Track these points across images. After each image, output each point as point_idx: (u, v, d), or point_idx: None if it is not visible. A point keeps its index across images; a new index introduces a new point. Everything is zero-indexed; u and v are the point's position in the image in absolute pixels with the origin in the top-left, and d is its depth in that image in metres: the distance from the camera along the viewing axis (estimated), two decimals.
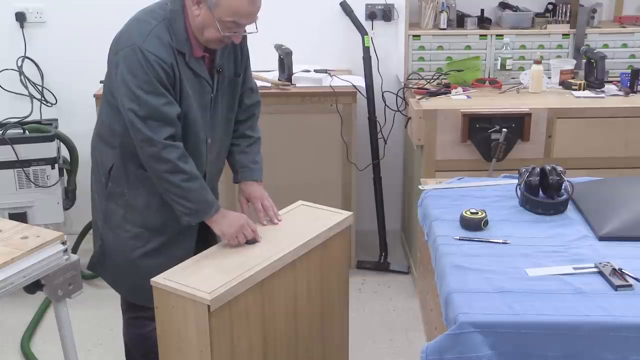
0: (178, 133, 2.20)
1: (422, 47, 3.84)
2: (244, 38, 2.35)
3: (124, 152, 2.27)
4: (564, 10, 3.83)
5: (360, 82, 3.80)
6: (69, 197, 3.81)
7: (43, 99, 4.02)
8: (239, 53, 2.37)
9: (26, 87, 4.00)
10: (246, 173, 2.48)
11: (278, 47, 3.77)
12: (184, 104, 2.21)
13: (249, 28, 2.23)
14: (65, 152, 3.78)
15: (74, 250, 3.81)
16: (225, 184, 2.86)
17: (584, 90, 3.59)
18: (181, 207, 2.22)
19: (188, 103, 2.22)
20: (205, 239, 2.43)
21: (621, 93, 3.57)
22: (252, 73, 2.52)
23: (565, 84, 3.67)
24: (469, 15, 3.88)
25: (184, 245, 2.33)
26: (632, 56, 3.84)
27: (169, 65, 2.14)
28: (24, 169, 3.56)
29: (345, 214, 2.50)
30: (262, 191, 2.48)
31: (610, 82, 3.68)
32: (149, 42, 2.12)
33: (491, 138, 3.33)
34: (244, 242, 2.26)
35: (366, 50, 3.85)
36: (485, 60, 3.84)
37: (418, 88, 3.64)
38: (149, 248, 2.35)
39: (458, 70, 3.70)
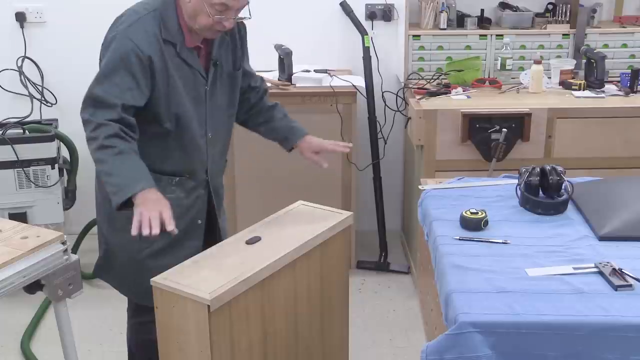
0: (125, 121, 2.13)
1: (422, 47, 3.84)
2: (244, 29, 2.35)
3: None
4: (564, 10, 3.83)
5: (360, 82, 3.80)
6: (69, 197, 3.81)
7: (43, 99, 4.02)
8: (238, 46, 2.37)
9: (26, 87, 3.99)
10: (297, 132, 2.51)
11: (278, 47, 3.77)
12: (172, 96, 2.21)
13: (242, 14, 2.23)
14: (65, 152, 3.79)
15: (74, 250, 3.81)
16: (225, 182, 2.85)
17: (584, 90, 3.59)
18: (110, 186, 2.10)
19: (178, 95, 2.21)
20: (212, 239, 2.42)
21: (621, 93, 3.57)
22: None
23: (565, 84, 3.67)
24: (469, 15, 3.88)
25: (190, 245, 2.32)
26: (632, 56, 3.85)
27: (147, 58, 2.14)
28: (24, 169, 3.56)
29: (345, 214, 2.50)
30: (318, 139, 2.51)
31: (610, 82, 3.69)
32: (131, 31, 2.13)
33: (491, 138, 3.33)
34: (147, 219, 2.04)
35: (366, 50, 3.85)
36: (485, 60, 3.84)
37: (418, 88, 3.65)
38: (155, 248, 2.34)
39: (458, 70, 3.70)
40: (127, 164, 2.11)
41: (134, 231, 2.06)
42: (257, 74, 2.56)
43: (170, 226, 2.06)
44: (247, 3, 2.19)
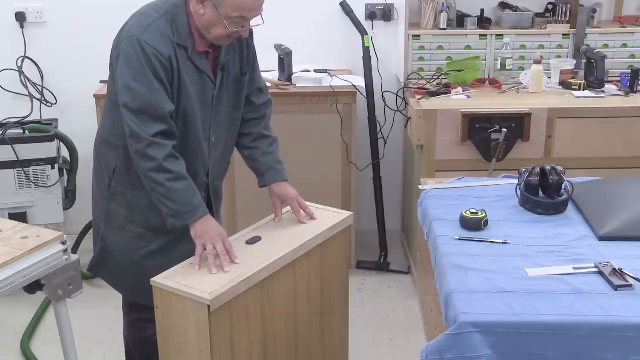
0: (170, 131, 2.17)
1: (422, 47, 3.84)
2: (251, 35, 2.36)
3: (128, 153, 2.25)
4: (564, 10, 3.83)
5: (360, 82, 3.80)
6: (69, 197, 3.81)
7: (43, 99, 4.02)
8: (245, 50, 2.36)
9: (26, 87, 4.00)
10: (274, 174, 2.44)
11: (278, 47, 3.77)
12: (183, 99, 2.20)
13: (254, 21, 2.23)
14: (65, 152, 3.79)
15: (74, 250, 3.81)
16: (224, 184, 2.86)
17: (584, 90, 3.59)
18: (165, 207, 2.18)
19: (188, 98, 2.21)
20: None
21: (621, 93, 3.57)
22: None
23: (565, 84, 3.67)
24: (469, 15, 3.88)
25: (188, 246, 2.32)
26: (632, 56, 3.84)
27: (167, 59, 2.13)
28: (24, 169, 3.56)
29: (345, 214, 2.50)
30: (294, 190, 2.46)
31: (610, 82, 3.69)
32: (147, 34, 2.12)
33: (491, 138, 3.33)
34: (211, 254, 2.13)
35: (366, 50, 3.85)
36: (485, 60, 3.84)
37: (418, 88, 3.65)
38: (152, 249, 2.34)
39: (458, 70, 3.70)
40: (182, 189, 2.17)
41: (195, 267, 2.14)
42: (268, 97, 2.51)
43: (233, 265, 2.14)
44: (262, 11, 2.19)
